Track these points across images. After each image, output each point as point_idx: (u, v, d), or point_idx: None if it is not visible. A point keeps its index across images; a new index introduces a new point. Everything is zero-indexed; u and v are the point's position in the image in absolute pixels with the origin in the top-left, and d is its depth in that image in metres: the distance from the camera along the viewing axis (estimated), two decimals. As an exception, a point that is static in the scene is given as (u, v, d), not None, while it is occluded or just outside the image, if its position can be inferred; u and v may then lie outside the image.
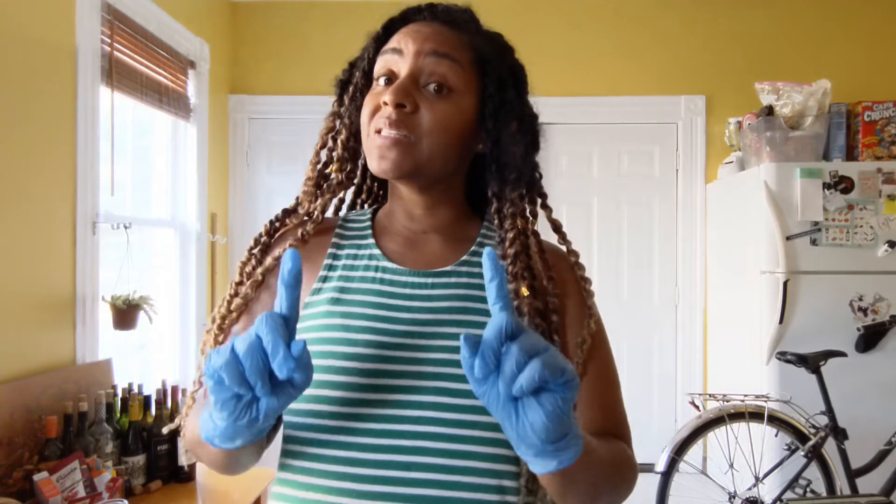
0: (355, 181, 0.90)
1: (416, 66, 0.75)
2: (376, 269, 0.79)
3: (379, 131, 0.75)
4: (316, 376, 0.70)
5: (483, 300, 0.75)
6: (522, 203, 0.80)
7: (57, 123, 2.12)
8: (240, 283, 0.80)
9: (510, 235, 0.78)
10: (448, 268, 0.79)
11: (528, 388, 0.52)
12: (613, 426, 0.79)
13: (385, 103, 0.74)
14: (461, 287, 0.77)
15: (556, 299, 0.78)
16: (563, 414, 0.53)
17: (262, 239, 0.83)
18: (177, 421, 0.82)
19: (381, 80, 0.78)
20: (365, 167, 0.89)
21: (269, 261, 0.80)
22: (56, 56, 2.12)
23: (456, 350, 0.71)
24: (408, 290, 0.77)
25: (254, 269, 0.81)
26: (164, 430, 0.88)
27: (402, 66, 0.76)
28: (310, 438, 0.71)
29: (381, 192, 0.94)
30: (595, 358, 0.80)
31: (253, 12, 3.66)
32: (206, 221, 3.25)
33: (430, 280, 0.78)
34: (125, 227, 2.39)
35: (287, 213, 0.84)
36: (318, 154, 0.85)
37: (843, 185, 2.79)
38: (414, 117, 0.74)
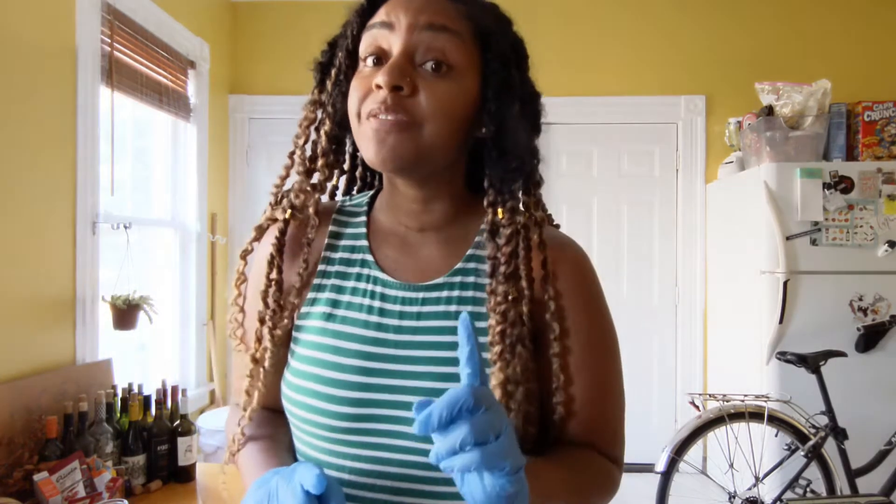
0: (345, 170, 0.83)
1: (411, 41, 0.67)
2: (368, 279, 0.75)
3: (373, 115, 0.67)
4: (306, 400, 0.71)
5: (476, 316, 0.70)
6: (521, 195, 0.73)
7: (57, 123, 2.12)
8: (275, 314, 0.74)
9: (507, 232, 0.70)
10: (440, 280, 0.73)
11: (461, 470, 0.52)
12: (602, 443, 0.74)
13: (378, 86, 0.66)
14: (452, 302, 0.72)
15: (553, 302, 0.72)
16: (504, 496, 0.52)
17: (276, 261, 0.75)
18: (225, 457, 0.79)
19: (370, 60, 0.69)
20: (353, 156, 0.83)
21: (294, 294, 0.75)
22: (56, 56, 2.12)
23: (443, 377, 0.69)
24: (398, 307, 0.72)
25: (280, 294, 0.75)
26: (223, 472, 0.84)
27: (394, 42, 0.67)
28: (307, 454, 0.74)
29: (372, 181, 0.87)
30: (593, 365, 0.74)
31: (253, 12, 3.66)
32: (206, 221, 3.25)
33: (420, 295, 0.73)
34: (125, 227, 2.39)
35: (287, 223, 0.77)
36: (303, 149, 0.77)
37: (843, 185, 2.79)
38: (412, 101, 0.66)
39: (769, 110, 3.00)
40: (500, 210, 0.71)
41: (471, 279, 0.73)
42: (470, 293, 0.72)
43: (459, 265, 0.74)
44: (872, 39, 3.53)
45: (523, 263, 0.71)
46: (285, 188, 0.80)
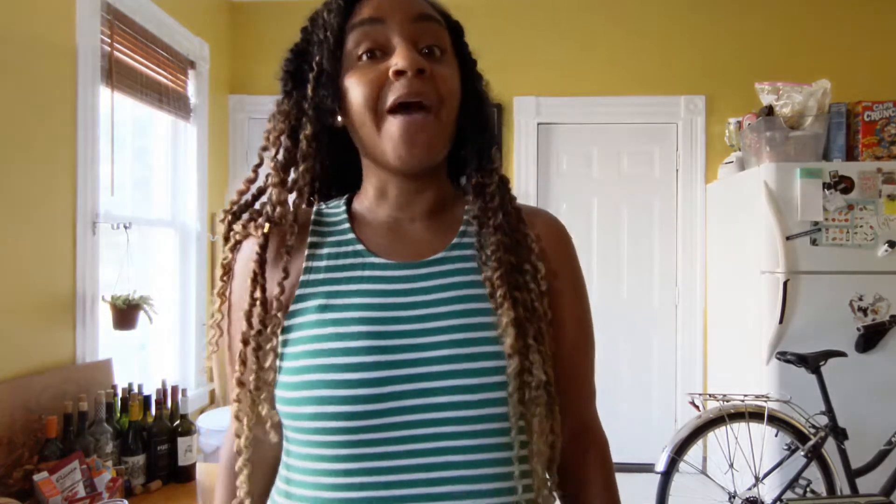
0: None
1: (410, 31, 0.69)
2: (363, 266, 0.73)
3: (393, 111, 0.68)
4: (316, 392, 0.67)
5: (481, 284, 0.72)
6: (497, 173, 0.77)
7: (57, 123, 2.12)
8: (259, 333, 0.71)
9: (491, 189, 0.76)
10: (440, 254, 0.74)
11: None
12: (587, 395, 0.83)
13: (398, 72, 0.67)
14: (457, 274, 0.73)
15: (535, 244, 0.76)
16: None
17: (259, 279, 0.73)
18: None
19: (365, 56, 0.70)
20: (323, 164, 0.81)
21: (277, 306, 0.72)
22: (56, 56, 2.12)
23: (463, 343, 0.68)
24: (401, 286, 0.72)
25: (265, 313, 0.72)
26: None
27: (392, 34, 0.69)
28: (320, 454, 0.69)
29: (329, 191, 0.86)
30: (580, 315, 0.80)
31: (253, 12, 3.66)
32: (206, 221, 3.25)
33: (423, 270, 0.73)
34: (125, 227, 2.40)
35: (267, 237, 0.74)
36: (275, 160, 0.75)
37: (843, 185, 2.79)
38: (431, 84, 0.68)
39: (769, 110, 3.00)
40: (485, 193, 0.76)
41: (469, 252, 0.75)
42: (471, 264, 0.74)
43: (456, 240, 0.76)
44: (872, 39, 3.53)
45: (509, 215, 0.76)
46: (242, 201, 0.77)
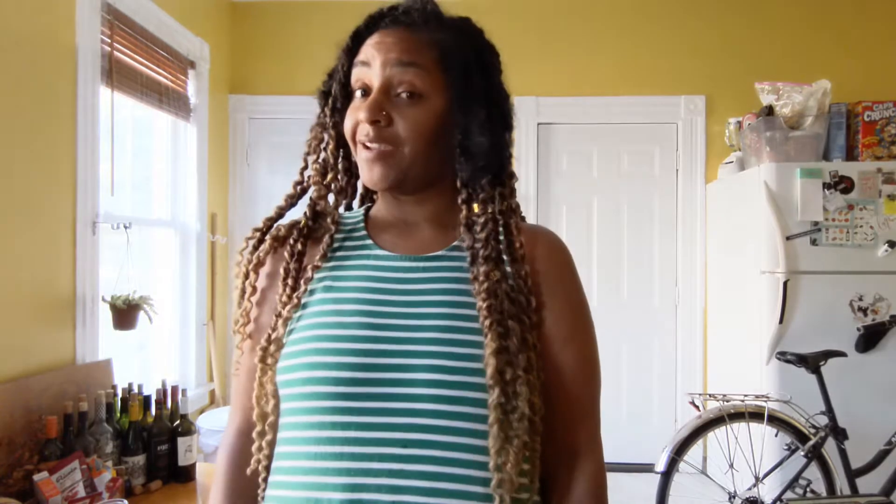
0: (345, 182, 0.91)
1: (385, 77, 0.78)
2: (367, 256, 0.82)
3: (362, 144, 0.79)
4: (310, 359, 0.74)
5: (470, 291, 0.77)
6: (493, 188, 0.81)
7: (57, 123, 2.12)
8: (286, 302, 0.80)
9: (482, 220, 0.79)
10: (439, 252, 0.81)
11: None
12: (586, 438, 0.80)
13: (361, 120, 0.78)
14: (452, 270, 0.79)
15: (529, 279, 0.78)
16: None
17: (297, 253, 0.83)
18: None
19: (359, 93, 0.81)
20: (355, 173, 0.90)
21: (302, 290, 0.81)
22: (56, 56, 2.12)
23: (448, 329, 0.73)
24: (399, 274, 0.79)
25: (295, 285, 0.81)
26: None
27: (374, 78, 0.79)
28: (306, 422, 0.74)
29: (368, 194, 0.95)
30: (578, 340, 0.80)
31: (253, 12, 3.66)
32: (206, 221, 3.25)
33: (421, 264, 0.80)
34: (125, 227, 2.40)
35: (302, 230, 0.85)
36: (317, 162, 0.86)
37: (843, 185, 2.79)
38: (390, 130, 0.77)
39: (769, 110, 3.01)
40: (475, 205, 0.80)
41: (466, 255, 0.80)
42: (466, 265, 0.79)
43: (456, 242, 0.82)
44: (872, 40, 3.53)
45: (503, 246, 0.79)
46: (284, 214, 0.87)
